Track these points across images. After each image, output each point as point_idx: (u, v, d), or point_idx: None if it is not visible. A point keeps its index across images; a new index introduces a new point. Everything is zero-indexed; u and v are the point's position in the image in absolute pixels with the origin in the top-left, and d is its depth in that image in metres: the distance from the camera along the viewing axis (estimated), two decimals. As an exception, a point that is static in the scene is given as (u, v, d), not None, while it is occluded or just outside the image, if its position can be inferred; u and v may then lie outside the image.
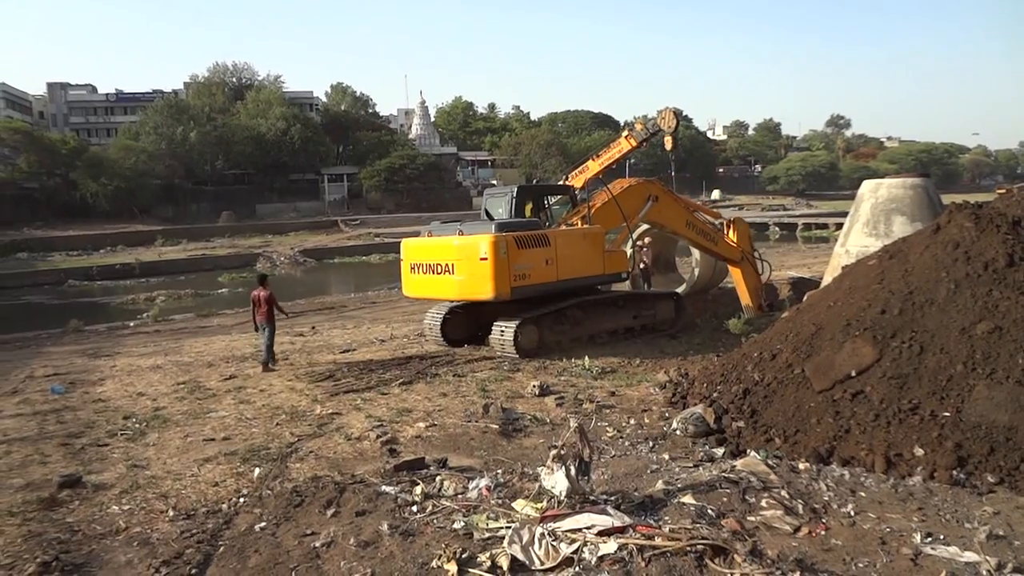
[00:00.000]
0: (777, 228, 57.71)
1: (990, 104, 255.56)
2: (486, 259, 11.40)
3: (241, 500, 6.15)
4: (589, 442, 5.43)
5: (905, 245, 8.42)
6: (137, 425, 8.74)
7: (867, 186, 13.32)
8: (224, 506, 6.05)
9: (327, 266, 47.03)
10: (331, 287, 35.72)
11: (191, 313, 24.42)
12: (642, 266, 18.20)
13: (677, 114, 17.37)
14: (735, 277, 16.50)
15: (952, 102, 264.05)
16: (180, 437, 8.16)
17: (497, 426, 7.89)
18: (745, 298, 16.17)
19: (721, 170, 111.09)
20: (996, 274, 7.28)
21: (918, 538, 4.90)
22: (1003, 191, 14.96)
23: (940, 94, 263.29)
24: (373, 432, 7.85)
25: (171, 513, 5.93)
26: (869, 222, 12.71)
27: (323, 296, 28.79)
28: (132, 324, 21.78)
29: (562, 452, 5.29)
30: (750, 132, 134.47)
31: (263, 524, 5.66)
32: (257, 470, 6.79)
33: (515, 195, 13.16)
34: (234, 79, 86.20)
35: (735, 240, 16.22)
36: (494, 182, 70.89)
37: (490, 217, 13.10)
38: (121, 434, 8.40)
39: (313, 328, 17.67)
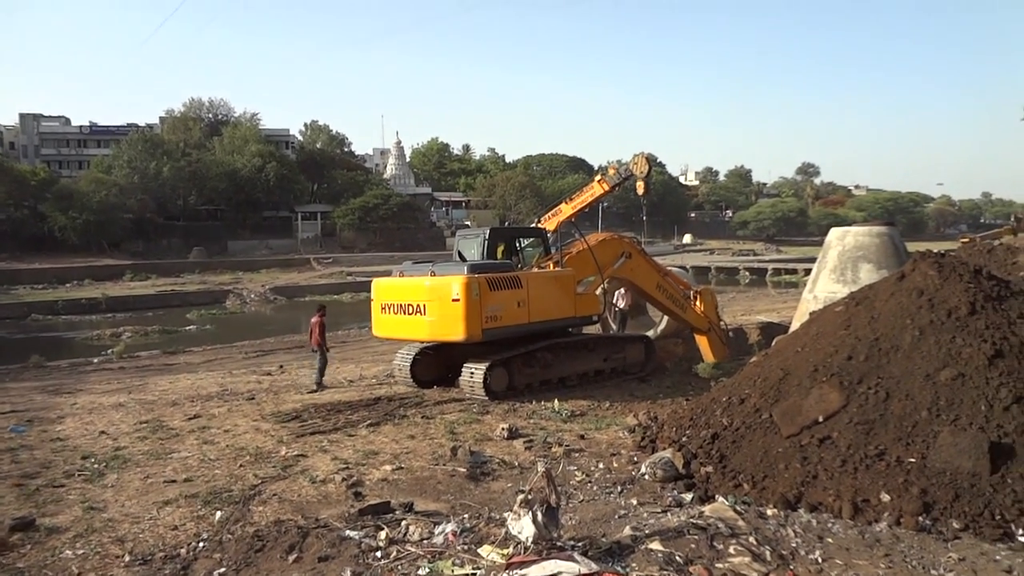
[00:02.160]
0: (747, 273, 58.39)
1: (954, 155, 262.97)
2: (458, 300, 11.37)
3: (201, 544, 5.99)
4: (556, 487, 5.38)
5: (871, 292, 8.54)
6: (96, 465, 8.52)
7: (835, 233, 13.55)
8: (183, 551, 5.88)
9: (298, 304, 46.56)
10: (301, 325, 35.35)
11: (157, 350, 23.98)
12: (619, 309, 18.28)
13: (650, 160, 17.64)
14: (701, 345, 16.52)
15: (918, 153, 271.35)
16: (140, 478, 7.96)
17: (465, 469, 7.81)
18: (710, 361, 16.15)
19: (693, 215, 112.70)
20: (959, 321, 7.40)
21: (884, 586, 4.89)
22: (966, 240, 15.40)
23: (906, 145, 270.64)
24: (339, 475, 7.72)
25: (127, 558, 5.76)
26: (836, 268, 12.90)
27: (292, 335, 28.48)
28: (96, 360, 21.32)
29: (529, 497, 5.22)
30: (721, 178, 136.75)
31: (222, 570, 5.51)
32: (218, 513, 6.63)
33: (487, 237, 13.21)
34: (210, 115, 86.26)
35: (702, 310, 16.31)
36: (468, 223, 71.17)
37: (462, 258, 13.10)
38: (79, 475, 8.18)
39: (281, 367, 17.46)
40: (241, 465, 8.32)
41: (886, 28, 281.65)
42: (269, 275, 56.99)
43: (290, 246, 73.00)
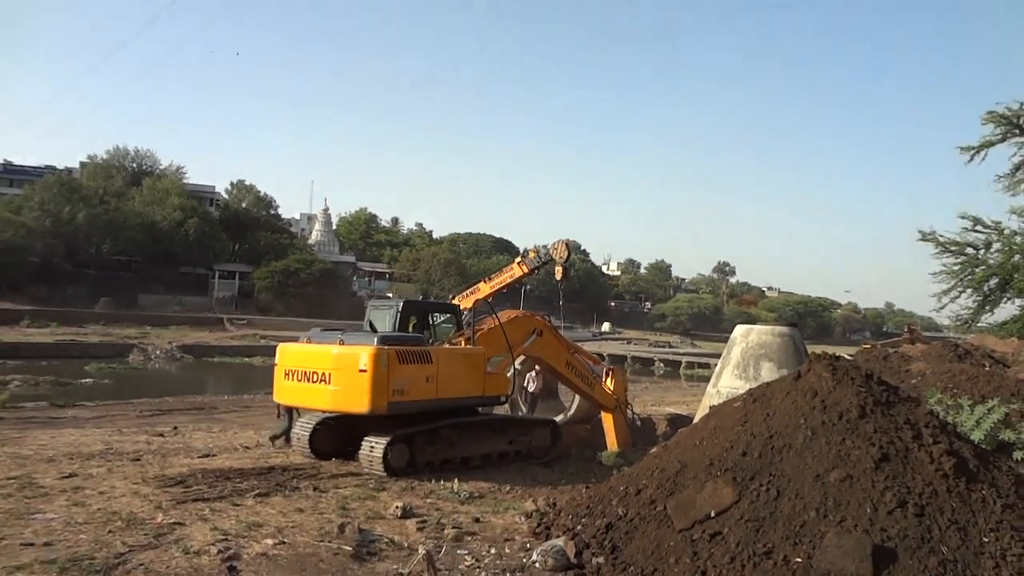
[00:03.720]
0: (662, 364, 59.47)
1: (862, 266, 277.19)
2: (365, 371, 11.15)
3: (47, 616, 5.50)
4: (437, 571, 5.18)
5: (769, 390, 8.72)
6: (-53, 523, 7.84)
7: (739, 331, 13.92)
8: (26, 622, 5.39)
9: (206, 364, 45.02)
10: (206, 386, 34.12)
11: (45, 402, 22.66)
12: (532, 390, 18.26)
13: (569, 246, 18.00)
14: (605, 424, 16.69)
15: (828, 262, 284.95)
16: (-6, 539, 7.34)
17: (350, 548, 7.47)
18: (613, 444, 16.28)
19: (613, 304, 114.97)
20: (849, 424, 7.58)
21: None
22: (868, 346, 16.06)
23: (818, 253, 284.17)
24: (215, 546, 7.28)
25: (-40, 628, 5.23)
26: (739, 365, 13.20)
27: (195, 395, 27.39)
28: (-27, 409, 19.99)
29: (408, 580, 5.01)
30: (642, 270, 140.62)
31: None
32: (73, 583, 6.14)
33: (400, 309, 13.12)
34: (134, 164, 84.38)
35: (611, 388, 16.50)
36: (390, 295, 70.75)
37: (373, 329, 12.91)
38: (-75, 532, 7.50)
39: (175, 428, 16.66)
40: (111, 531, 7.76)
41: (802, 143, 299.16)
42: (178, 332, 55.09)
43: (204, 304, 71.06)
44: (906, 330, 16.55)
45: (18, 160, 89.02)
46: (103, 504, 8.88)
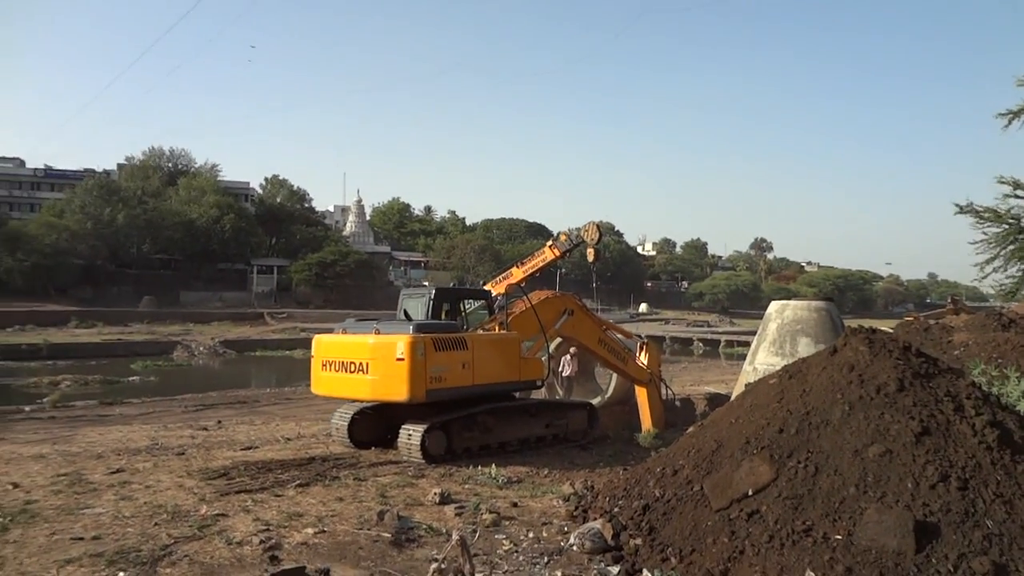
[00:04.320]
0: (701, 343, 59.01)
1: (903, 237, 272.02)
2: (403, 360, 11.19)
3: (96, 608, 5.65)
4: (471, 557, 5.22)
5: (804, 365, 8.60)
6: (0, 519, 8.07)
7: (774, 307, 13.74)
8: (76, 614, 5.54)
9: (248, 358, 45.78)
10: (248, 380, 34.68)
11: (94, 400, 23.23)
12: (567, 373, 18.26)
13: (600, 227, 17.89)
14: (639, 398, 16.63)
15: (868, 233, 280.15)
16: (46, 534, 7.54)
17: (389, 535, 7.55)
18: (647, 420, 16.22)
19: (649, 284, 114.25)
20: (887, 398, 7.45)
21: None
22: (910, 318, 15.74)
23: (857, 224, 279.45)
24: (257, 537, 7.41)
25: (14, 621, 5.40)
26: (775, 341, 13.04)
27: (237, 389, 27.84)
28: (28, 409, 20.56)
29: (443, 567, 5.05)
30: (678, 250, 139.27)
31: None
32: (121, 574, 6.29)
33: (433, 297, 13.14)
34: (170, 164, 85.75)
35: (645, 362, 16.42)
36: (425, 283, 71.05)
37: (407, 317, 12.97)
38: (-20, 529, 7.74)
39: (219, 422, 16.98)
40: (156, 523, 7.95)
41: (840, 111, 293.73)
42: (220, 328, 56.03)
43: (244, 299, 72.16)
44: (949, 301, 16.16)
45: (59, 165, 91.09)
46: (149, 498, 9.09)
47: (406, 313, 13.26)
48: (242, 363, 43.67)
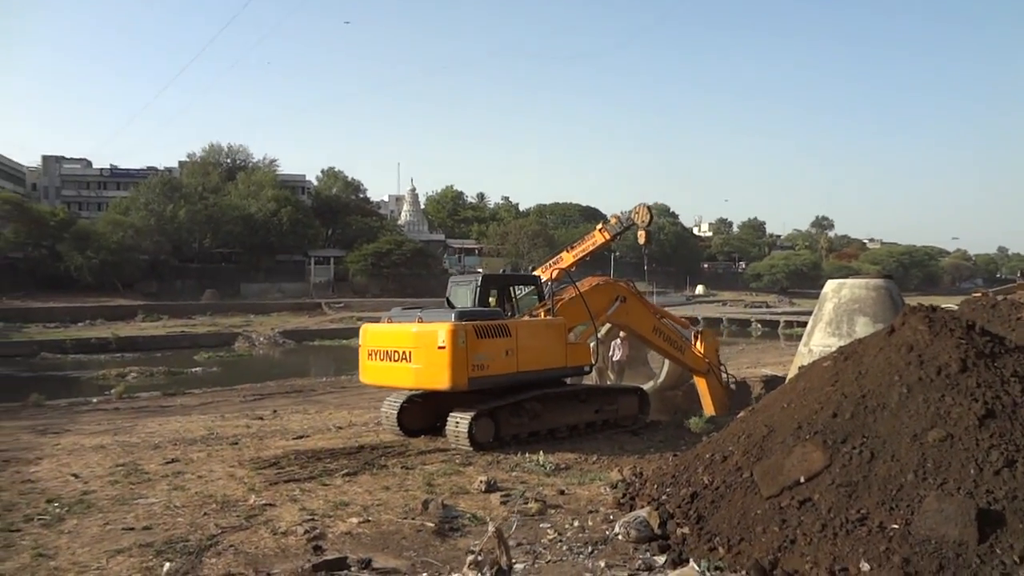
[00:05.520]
0: (759, 325, 57.91)
1: (971, 210, 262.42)
2: (444, 348, 11.14)
3: (141, 599, 5.72)
4: (508, 548, 5.11)
5: (860, 346, 8.25)
6: (58, 510, 8.28)
7: (830, 286, 13.29)
8: (121, 605, 5.61)
9: (306, 348, 46.61)
10: (306, 369, 35.28)
11: (158, 391, 23.88)
12: (617, 358, 18.02)
13: (651, 209, 17.60)
14: (700, 388, 16.33)
15: (933, 207, 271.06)
16: (99, 524, 7.71)
17: (433, 524, 7.50)
18: (709, 409, 15.89)
19: (706, 265, 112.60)
20: (949, 379, 7.08)
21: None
22: (979, 294, 15.04)
23: (922, 199, 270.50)
24: (302, 527, 7.44)
25: (62, 611, 5.49)
26: (832, 322, 12.61)
27: (295, 379, 28.31)
28: (95, 400, 21.24)
29: (479, 559, 4.96)
30: (735, 230, 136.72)
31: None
32: (167, 565, 6.36)
33: (479, 284, 13.05)
34: (228, 160, 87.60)
35: (702, 351, 16.08)
36: (480, 270, 71.27)
37: (451, 305, 12.92)
38: (38, 519, 7.93)
39: (275, 411, 17.24)
40: (205, 513, 8.06)
41: (902, 83, 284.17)
42: (280, 318, 57.12)
43: (302, 290, 73.45)
44: (1020, 275, 15.42)
45: (123, 164, 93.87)
46: (200, 488, 9.22)
47: (449, 301, 13.20)
48: (300, 353, 44.48)
